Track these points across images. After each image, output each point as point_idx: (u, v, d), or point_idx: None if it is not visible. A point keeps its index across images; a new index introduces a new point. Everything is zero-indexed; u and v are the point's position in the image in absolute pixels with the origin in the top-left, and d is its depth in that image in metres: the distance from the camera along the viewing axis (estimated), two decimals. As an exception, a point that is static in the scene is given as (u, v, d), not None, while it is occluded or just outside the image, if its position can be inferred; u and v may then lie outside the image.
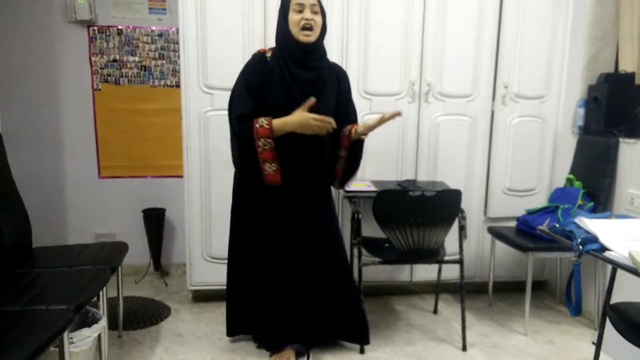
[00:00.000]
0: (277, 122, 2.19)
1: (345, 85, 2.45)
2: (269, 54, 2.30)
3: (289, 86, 2.24)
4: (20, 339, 1.59)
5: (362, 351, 2.56)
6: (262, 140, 2.17)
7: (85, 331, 2.09)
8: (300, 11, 2.18)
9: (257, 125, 2.18)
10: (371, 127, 2.32)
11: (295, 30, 2.19)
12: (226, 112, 2.75)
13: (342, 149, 2.41)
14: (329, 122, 2.20)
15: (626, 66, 2.91)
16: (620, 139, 2.74)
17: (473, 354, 2.59)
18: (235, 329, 2.62)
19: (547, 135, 3.21)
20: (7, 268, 2.24)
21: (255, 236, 2.39)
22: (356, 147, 2.42)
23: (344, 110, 2.43)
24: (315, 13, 2.21)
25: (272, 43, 2.80)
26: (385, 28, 2.95)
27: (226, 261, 2.92)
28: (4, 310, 1.82)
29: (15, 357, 1.48)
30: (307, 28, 2.19)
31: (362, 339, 2.56)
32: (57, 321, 1.73)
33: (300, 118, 2.18)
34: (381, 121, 2.30)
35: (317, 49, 2.27)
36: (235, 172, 2.45)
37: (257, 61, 2.28)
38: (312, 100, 2.19)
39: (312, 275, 2.41)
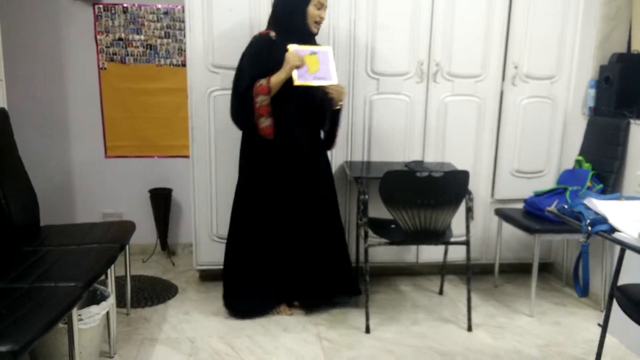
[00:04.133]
0: (274, 76, 2.47)
1: None
2: (272, 35, 2.53)
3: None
4: (29, 315, 1.60)
5: (367, 330, 2.58)
6: (260, 97, 2.47)
7: (93, 308, 2.11)
8: (319, 8, 2.53)
9: (258, 85, 2.47)
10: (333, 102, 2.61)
11: (310, 22, 2.54)
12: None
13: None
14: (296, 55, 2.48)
15: (639, 46, 2.85)
16: (631, 120, 2.71)
17: (478, 335, 2.60)
18: (236, 306, 2.75)
19: (556, 116, 3.17)
20: (15, 246, 2.26)
21: (259, 197, 2.65)
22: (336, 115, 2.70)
23: None
24: (324, 10, 2.58)
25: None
26: (394, 7, 2.91)
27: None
28: (13, 287, 1.83)
29: (25, 334, 1.49)
30: (319, 23, 2.56)
31: (354, 291, 2.88)
32: (66, 298, 1.75)
33: (286, 58, 2.47)
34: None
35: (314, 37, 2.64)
36: (241, 145, 2.69)
37: (264, 43, 2.52)
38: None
39: (309, 233, 2.70)
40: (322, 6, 2.54)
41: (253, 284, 2.70)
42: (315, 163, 2.70)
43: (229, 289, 2.75)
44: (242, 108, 2.53)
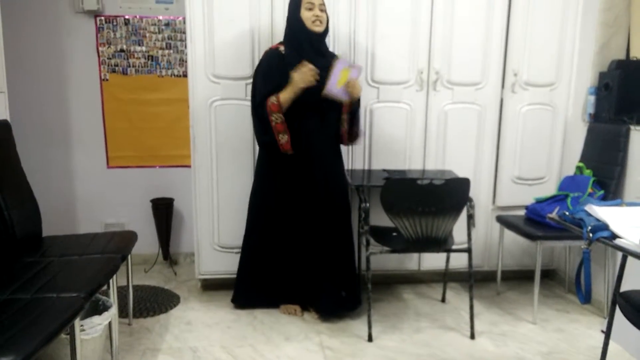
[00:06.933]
0: (283, 94, 2.56)
1: None
2: (282, 49, 2.62)
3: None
4: (31, 326, 1.60)
5: (370, 338, 2.57)
6: (274, 115, 2.56)
7: (96, 319, 2.11)
8: (311, 9, 2.56)
9: (270, 103, 2.56)
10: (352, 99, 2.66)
11: (308, 23, 2.57)
12: (233, 102, 2.95)
13: (344, 113, 2.72)
14: (310, 68, 2.51)
15: (638, 53, 2.87)
16: (631, 127, 2.71)
17: (481, 342, 2.59)
18: (242, 298, 2.89)
19: (557, 123, 3.18)
20: (17, 257, 2.26)
21: (274, 202, 2.74)
22: (355, 110, 2.75)
23: None
24: (322, 11, 2.60)
25: (278, 31, 2.81)
26: (393, 16, 2.93)
27: (234, 250, 2.97)
28: (15, 298, 1.84)
29: (27, 344, 1.49)
30: (319, 22, 2.58)
31: (355, 304, 2.84)
32: (68, 309, 1.75)
33: (293, 78, 2.53)
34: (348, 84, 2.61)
35: (324, 38, 2.67)
36: (259, 151, 2.78)
37: (274, 57, 2.61)
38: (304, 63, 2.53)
39: (319, 240, 2.73)
40: (312, 5, 2.56)
41: (263, 281, 2.82)
42: (332, 173, 2.74)
43: (240, 284, 2.88)
44: (260, 125, 2.62)
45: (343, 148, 2.93)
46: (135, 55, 3.41)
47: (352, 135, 2.78)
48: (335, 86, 2.53)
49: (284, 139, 2.58)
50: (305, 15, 2.56)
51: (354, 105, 2.71)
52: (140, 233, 2.83)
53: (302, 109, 2.61)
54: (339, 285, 2.77)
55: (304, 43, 2.59)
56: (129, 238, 2.56)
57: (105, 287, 2.21)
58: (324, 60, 2.61)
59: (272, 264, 2.79)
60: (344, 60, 2.57)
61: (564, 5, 3.05)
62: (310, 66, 2.51)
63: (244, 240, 2.86)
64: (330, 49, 2.85)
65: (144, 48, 3.41)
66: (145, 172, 3.55)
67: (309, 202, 2.71)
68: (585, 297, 1.89)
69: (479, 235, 3.22)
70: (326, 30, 2.64)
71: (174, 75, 3.46)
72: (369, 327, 2.59)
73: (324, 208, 2.71)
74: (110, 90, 3.43)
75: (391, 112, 3.02)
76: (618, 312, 1.95)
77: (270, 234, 2.77)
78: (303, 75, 2.50)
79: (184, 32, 3.33)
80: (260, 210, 2.79)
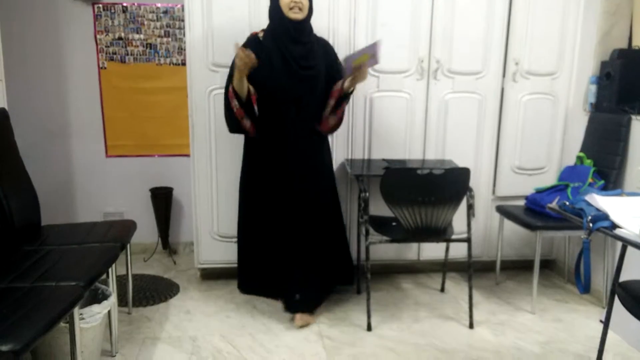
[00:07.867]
0: (234, 80, 2.46)
1: (330, 56, 2.69)
2: (261, 35, 2.58)
3: (288, 61, 2.51)
4: (31, 314, 1.61)
5: (369, 328, 2.58)
6: (233, 101, 2.52)
7: (95, 307, 2.11)
8: None
9: (230, 89, 2.51)
10: (353, 82, 2.57)
11: (285, 10, 2.46)
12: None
13: (332, 99, 2.64)
14: (242, 51, 2.34)
15: (640, 42, 2.85)
16: (633, 116, 2.70)
17: (480, 332, 2.60)
18: (247, 286, 2.88)
19: (557, 112, 3.16)
20: (16, 246, 2.26)
21: (256, 192, 2.72)
22: (343, 98, 2.65)
23: (334, 77, 2.64)
24: None
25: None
26: (394, 4, 2.90)
27: (233, 239, 2.96)
28: (14, 286, 1.84)
29: (26, 333, 1.50)
30: (298, 8, 2.46)
31: (349, 280, 2.96)
32: (67, 297, 1.75)
33: (235, 63, 2.41)
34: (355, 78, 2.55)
35: (305, 26, 2.55)
36: (243, 141, 2.74)
37: (251, 44, 2.52)
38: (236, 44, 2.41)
39: (306, 225, 2.69)
40: None
41: (259, 269, 2.80)
42: (310, 162, 2.68)
43: (240, 271, 2.88)
44: (226, 111, 2.58)
45: (342, 137, 2.93)
46: (134, 43, 3.38)
47: (330, 124, 2.68)
48: (350, 60, 2.47)
49: (246, 123, 2.56)
50: (284, 1, 2.45)
51: (345, 91, 2.60)
52: (140, 222, 2.83)
53: (277, 98, 2.56)
54: (330, 268, 2.79)
55: (278, 29, 2.51)
56: (128, 227, 2.56)
57: (104, 276, 2.21)
58: (302, 47, 2.52)
59: (262, 252, 2.77)
60: (375, 46, 2.42)
61: (566, -7, 3.02)
62: (244, 51, 2.34)
63: (237, 229, 2.85)
64: (330, 37, 2.83)
65: (142, 36, 3.38)
66: (144, 161, 3.54)
67: (285, 192, 2.65)
68: (585, 287, 1.89)
69: (479, 225, 3.22)
70: (307, 17, 2.52)
71: (173, 63, 3.43)
72: (368, 317, 2.60)
73: (300, 198, 2.65)
74: (108, 79, 3.40)
75: (391, 101, 3.00)
76: (617, 302, 1.95)
77: (256, 223, 2.75)
78: (239, 59, 2.34)
79: (183, 20, 3.31)
80: (245, 199, 2.77)
